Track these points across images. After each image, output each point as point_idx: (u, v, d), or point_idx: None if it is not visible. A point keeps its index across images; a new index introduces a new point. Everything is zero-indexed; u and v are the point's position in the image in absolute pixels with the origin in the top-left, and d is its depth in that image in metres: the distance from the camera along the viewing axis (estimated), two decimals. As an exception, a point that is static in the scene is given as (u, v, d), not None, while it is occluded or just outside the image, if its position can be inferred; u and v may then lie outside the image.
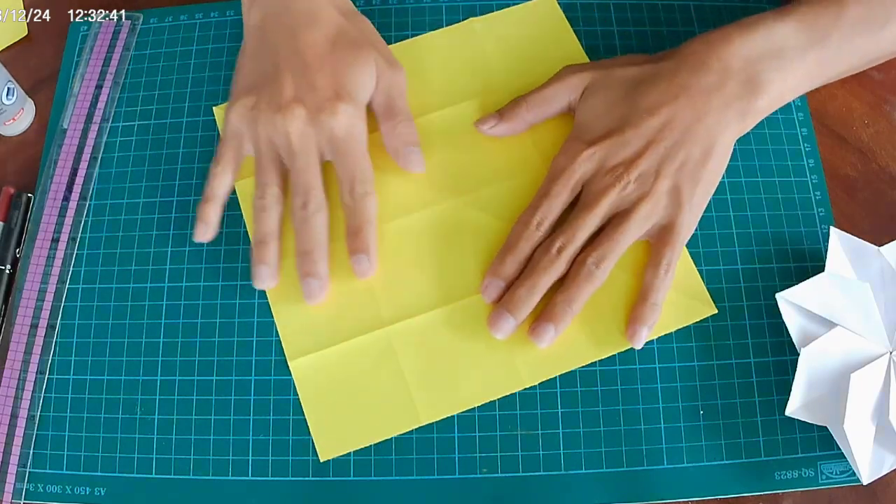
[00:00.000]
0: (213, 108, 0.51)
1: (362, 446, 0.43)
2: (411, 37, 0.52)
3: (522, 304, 0.42)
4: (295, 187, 0.45)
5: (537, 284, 0.42)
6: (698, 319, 0.44)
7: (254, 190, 0.46)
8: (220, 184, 0.46)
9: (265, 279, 0.44)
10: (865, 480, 0.40)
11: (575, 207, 0.44)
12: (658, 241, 0.43)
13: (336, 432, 0.43)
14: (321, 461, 0.43)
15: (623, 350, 0.44)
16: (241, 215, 0.48)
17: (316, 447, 0.43)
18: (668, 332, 0.44)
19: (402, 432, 0.43)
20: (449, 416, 0.43)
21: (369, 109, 0.47)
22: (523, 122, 0.47)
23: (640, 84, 0.44)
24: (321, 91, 0.44)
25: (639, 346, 0.43)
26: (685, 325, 0.44)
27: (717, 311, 0.44)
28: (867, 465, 0.40)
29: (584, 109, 0.46)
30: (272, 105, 0.44)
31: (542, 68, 0.49)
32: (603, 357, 0.44)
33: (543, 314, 0.43)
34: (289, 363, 0.44)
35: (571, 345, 0.44)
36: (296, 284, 0.45)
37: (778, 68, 0.42)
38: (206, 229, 0.45)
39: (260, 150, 0.45)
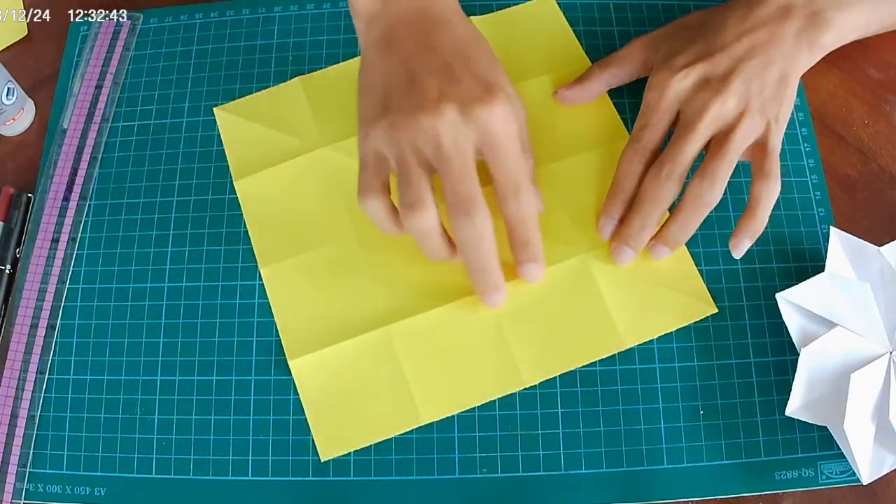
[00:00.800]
0: (214, 108, 0.51)
1: (363, 446, 0.43)
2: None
3: (638, 235, 0.43)
4: (454, 197, 0.38)
5: (649, 215, 0.43)
6: (699, 318, 0.44)
7: (403, 210, 0.39)
8: (383, 217, 0.41)
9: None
10: (866, 480, 0.40)
11: (676, 131, 0.44)
12: (757, 158, 0.43)
13: (337, 432, 0.43)
14: (322, 461, 0.43)
15: (623, 350, 0.44)
16: (242, 215, 0.48)
17: (317, 447, 0.43)
18: (668, 331, 0.44)
19: (403, 432, 0.43)
20: (450, 415, 0.43)
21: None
22: (600, 83, 0.48)
23: (714, 22, 0.45)
24: (469, 86, 0.39)
25: (738, 255, 0.43)
26: (686, 324, 0.44)
27: (717, 311, 0.44)
28: (867, 465, 0.40)
29: (663, 53, 0.46)
30: (415, 110, 0.38)
31: (541, 69, 0.49)
32: (603, 357, 0.44)
33: (658, 237, 0.44)
34: (289, 362, 0.44)
35: (572, 344, 0.44)
36: (296, 284, 0.45)
37: (838, 8, 0.44)
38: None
39: (404, 162, 0.39)
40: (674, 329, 0.44)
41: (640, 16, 0.52)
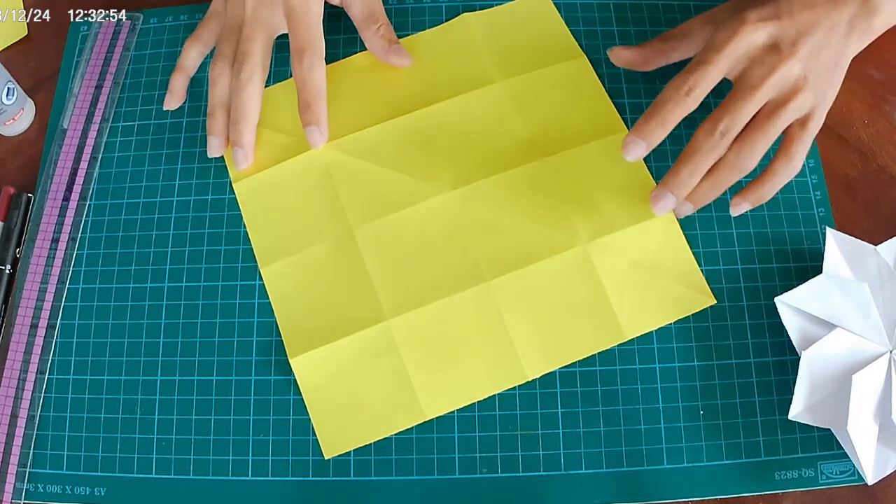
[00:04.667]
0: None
1: (367, 443, 0.43)
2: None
3: (684, 184, 0.43)
4: (237, 54, 0.47)
5: (699, 166, 0.43)
6: (698, 310, 0.44)
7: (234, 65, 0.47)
8: (188, 56, 0.50)
9: (214, 149, 0.48)
10: (871, 481, 0.40)
11: (736, 88, 0.43)
12: (793, 134, 0.43)
13: (340, 430, 0.43)
14: (325, 458, 0.43)
15: (624, 342, 0.44)
16: (241, 215, 0.48)
17: (320, 445, 0.43)
18: (668, 322, 0.44)
19: (406, 428, 0.43)
20: (452, 410, 0.43)
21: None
22: (658, 53, 0.48)
23: None
24: None
25: (734, 214, 0.44)
26: (685, 315, 0.44)
27: (716, 302, 0.44)
28: (871, 465, 0.40)
29: (727, 15, 0.46)
30: None
31: (534, 63, 0.49)
32: (604, 348, 0.44)
33: (689, 195, 0.44)
34: (290, 360, 0.44)
35: (573, 336, 0.44)
36: (296, 282, 0.45)
37: None
38: (171, 98, 0.50)
39: (224, 24, 0.49)
40: (674, 320, 0.44)
41: (640, 16, 0.52)
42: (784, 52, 0.42)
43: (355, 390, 0.44)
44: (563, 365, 0.43)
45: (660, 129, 0.43)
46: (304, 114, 0.47)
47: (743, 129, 0.43)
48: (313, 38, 0.47)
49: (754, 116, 0.43)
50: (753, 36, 0.43)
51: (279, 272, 0.46)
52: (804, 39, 0.43)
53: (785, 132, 0.44)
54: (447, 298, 0.44)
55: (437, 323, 0.44)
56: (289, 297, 0.46)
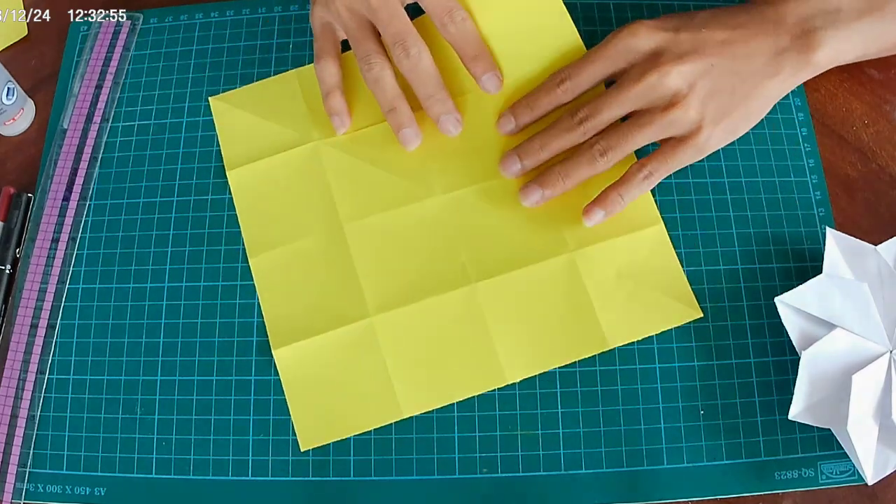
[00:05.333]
0: (209, 97, 0.51)
1: (343, 437, 0.43)
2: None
3: (533, 154, 0.44)
4: (390, 39, 0.44)
5: (549, 144, 0.44)
6: (682, 322, 0.44)
7: (360, 65, 0.45)
8: (330, 74, 0.47)
9: (412, 139, 0.46)
10: (871, 481, 0.39)
11: (611, 87, 0.43)
12: (659, 149, 0.43)
13: (317, 422, 0.43)
14: (301, 450, 0.43)
15: (605, 350, 0.43)
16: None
17: (297, 436, 0.43)
18: (651, 333, 0.44)
19: (383, 424, 0.43)
20: (430, 410, 0.43)
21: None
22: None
23: (701, 14, 0.44)
24: None
25: (589, 224, 0.43)
26: (669, 327, 0.44)
27: (702, 315, 0.44)
28: (871, 465, 0.40)
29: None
30: None
31: (538, 57, 0.49)
32: (585, 356, 0.44)
33: (538, 178, 0.44)
34: (273, 351, 0.44)
35: (555, 343, 0.44)
36: (283, 273, 0.46)
37: (833, 27, 0.42)
38: (342, 119, 0.47)
39: (347, 26, 0.45)
40: (658, 331, 0.44)
41: (639, 16, 0.52)
42: (663, 63, 0.41)
43: (335, 385, 0.44)
44: (544, 370, 0.43)
45: (527, 111, 0.45)
46: (477, 64, 0.45)
47: (611, 126, 0.43)
48: (407, 24, 0.44)
49: (629, 118, 0.43)
50: (639, 41, 0.42)
51: (267, 263, 0.46)
52: (698, 58, 0.41)
53: (661, 145, 0.43)
54: (432, 298, 0.44)
55: (420, 322, 0.44)
56: (275, 289, 0.46)
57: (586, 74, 0.44)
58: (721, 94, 0.42)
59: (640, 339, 0.44)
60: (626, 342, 0.44)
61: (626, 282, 0.44)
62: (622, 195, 0.43)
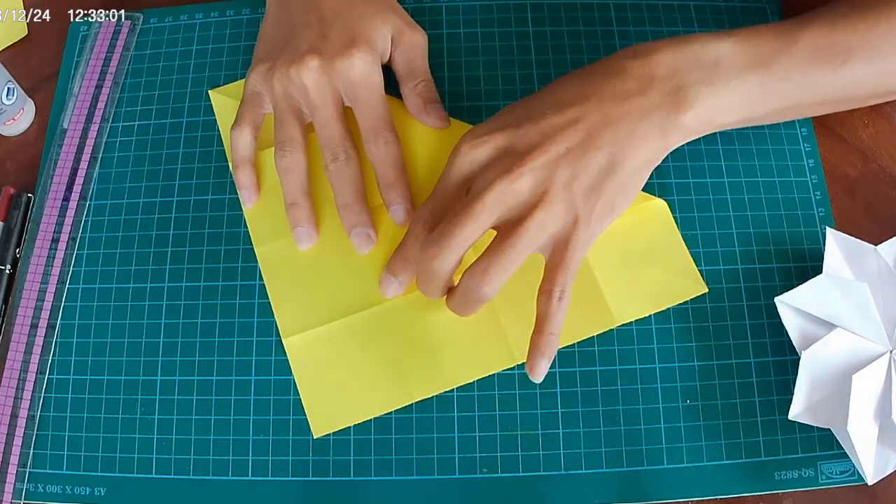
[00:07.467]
0: (209, 91, 0.51)
1: (355, 423, 0.43)
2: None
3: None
4: (322, 141, 0.44)
5: (408, 264, 0.42)
6: (689, 297, 0.44)
7: (275, 150, 0.44)
8: (244, 146, 0.46)
9: (304, 240, 0.45)
10: (871, 481, 0.39)
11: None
12: (551, 260, 0.38)
13: (330, 409, 0.43)
14: (315, 438, 0.43)
15: (613, 328, 0.44)
16: (242, 215, 0.48)
17: (310, 424, 0.43)
18: (659, 309, 0.44)
19: (394, 409, 0.43)
20: (441, 392, 0.43)
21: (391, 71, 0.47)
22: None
23: (550, 87, 0.40)
24: (336, 40, 0.43)
25: (538, 379, 0.38)
26: (676, 303, 0.44)
27: (707, 290, 0.44)
28: (871, 465, 0.40)
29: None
30: (287, 61, 0.44)
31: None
32: (593, 334, 0.44)
33: (448, 297, 0.41)
34: (283, 341, 0.44)
35: (565, 322, 0.43)
36: (292, 262, 0.46)
37: (709, 83, 0.37)
38: (249, 194, 0.47)
39: (278, 106, 0.45)
40: (665, 307, 0.44)
41: (639, 16, 0.52)
42: (508, 164, 0.37)
43: (346, 371, 0.44)
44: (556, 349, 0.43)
45: (402, 263, 0.42)
46: (389, 192, 0.44)
47: (481, 254, 0.38)
48: (384, 113, 0.44)
49: (495, 237, 0.38)
50: (474, 154, 0.39)
51: (274, 252, 0.46)
52: (549, 145, 0.37)
53: (547, 257, 0.39)
54: None
55: (429, 306, 0.44)
56: (283, 278, 0.46)
57: (441, 208, 0.40)
58: (585, 176, 0.37)
59: (647, 315, 0.44)
60: (634, 318, 0.44)
61: (631, 259, 0.45)
62: (552, 332, 0.38)
